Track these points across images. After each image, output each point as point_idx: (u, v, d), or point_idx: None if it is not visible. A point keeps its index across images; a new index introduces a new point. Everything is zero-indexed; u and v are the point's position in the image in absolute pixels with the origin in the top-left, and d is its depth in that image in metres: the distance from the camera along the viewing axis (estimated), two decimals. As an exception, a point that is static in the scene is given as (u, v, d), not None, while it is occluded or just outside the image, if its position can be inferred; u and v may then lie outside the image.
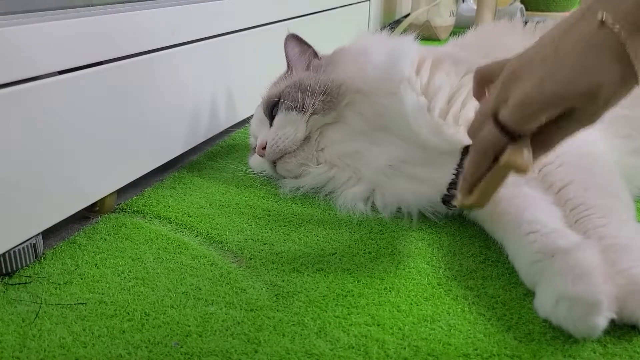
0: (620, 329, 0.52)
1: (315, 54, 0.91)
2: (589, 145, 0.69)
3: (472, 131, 0.55)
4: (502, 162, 0.52)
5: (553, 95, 0.47)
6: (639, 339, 0.51)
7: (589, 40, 0.46)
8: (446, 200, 0.66)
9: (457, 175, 0.65)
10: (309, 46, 0.91)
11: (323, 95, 0.80)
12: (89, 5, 0.77)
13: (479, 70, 0.57)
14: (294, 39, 0.91)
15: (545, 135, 0.51)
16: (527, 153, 0.52)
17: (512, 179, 0.69)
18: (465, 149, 0.65)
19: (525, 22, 0.93)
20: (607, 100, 0.47)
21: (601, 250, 0.55)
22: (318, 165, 0.83)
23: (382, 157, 0.77)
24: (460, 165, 0.65)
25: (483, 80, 0.57)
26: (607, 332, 0.51)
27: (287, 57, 0.92)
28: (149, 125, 0.84)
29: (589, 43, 0.46)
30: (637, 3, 0.44)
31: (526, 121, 0.49)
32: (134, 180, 0.82)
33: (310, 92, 0.81)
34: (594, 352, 0.50)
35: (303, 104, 0.81)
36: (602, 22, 0.45)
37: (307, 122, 0.82)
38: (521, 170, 0.51)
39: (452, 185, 0.65)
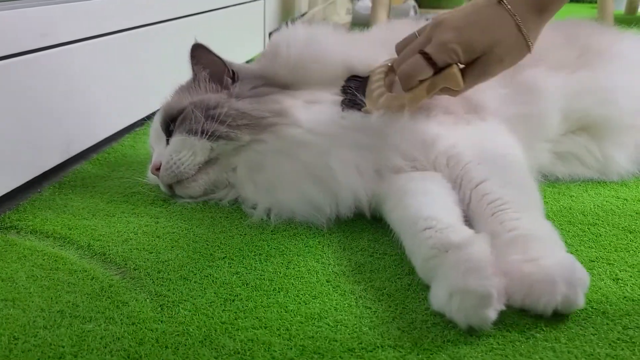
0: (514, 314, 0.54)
1: (226, 67, 0.83)
2: (506, 148, 0.74)
3: (399, 61, 0.71)
4: (449, 71, 0.67)
5: (467, 42, 0.66)
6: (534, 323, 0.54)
7: (493, 11, 0.66)
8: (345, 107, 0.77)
9: (345, 93, 0.78)
10: (219, 58, 0.83)
11: (237, 122, 0.75)
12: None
13: (397, 44, 0.75)
14: (200, 49, 0.82)
15: (472, 70, 0.69)
16: (460, 75, 0.68)
17: (418, 175, 0.71)
18: (349, 78, 0.80)
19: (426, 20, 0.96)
20: (502, 56, 0.67)
21: (513, 240, 0.58)
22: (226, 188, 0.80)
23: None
24: (345, 89, 0.78)
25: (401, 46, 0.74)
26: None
27: (192, 70, 0.84)
28: (23, 133, 0.78)
29: (493, 13, 0.66)
30: None
31: (446, 55, 0.67)
32: (7, 193, 0.76)
33: (218, 117, 0.75)
34: (472, 336, 0.52)
35: (205, 129, 0.75)
36: (499, 2, 0.66)
37: (212, 148, 0.76)
38: (457, 83, 0.68)
39: (345, 102, 0.77)
